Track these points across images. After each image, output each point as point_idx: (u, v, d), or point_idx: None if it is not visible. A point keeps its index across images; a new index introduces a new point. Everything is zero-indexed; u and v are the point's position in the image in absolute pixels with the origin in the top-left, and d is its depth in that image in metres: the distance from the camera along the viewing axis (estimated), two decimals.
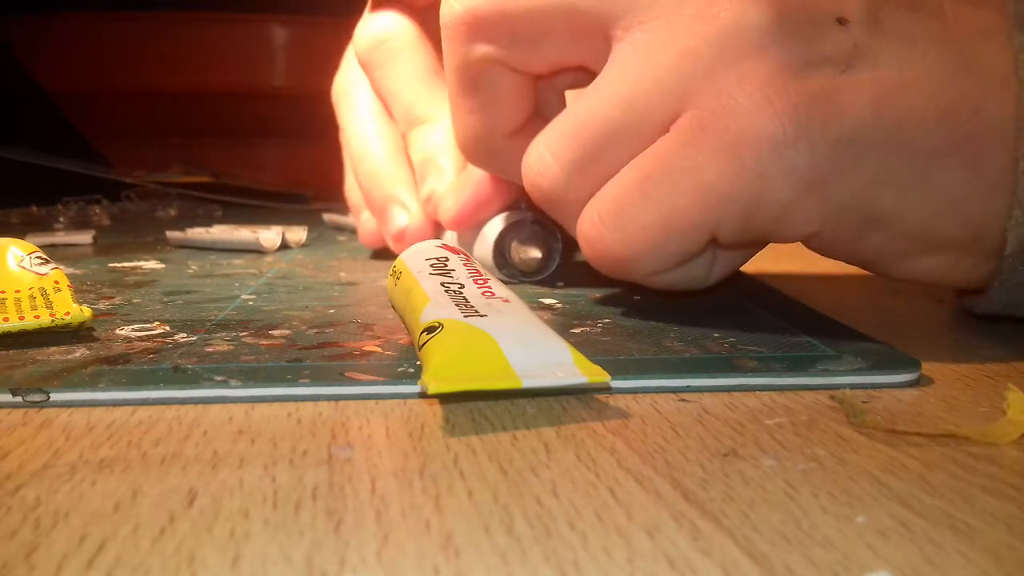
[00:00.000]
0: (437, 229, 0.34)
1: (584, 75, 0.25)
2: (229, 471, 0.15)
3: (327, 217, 0.51)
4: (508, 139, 0.26)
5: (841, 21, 0.20)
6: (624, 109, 0.22)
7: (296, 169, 0.79)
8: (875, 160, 0.20)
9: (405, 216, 0.34)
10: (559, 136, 0.23)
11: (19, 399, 0.18)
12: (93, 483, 0.14)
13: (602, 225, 0.22)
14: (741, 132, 0.20)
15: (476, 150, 0.27)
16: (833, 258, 0.23)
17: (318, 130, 0.71)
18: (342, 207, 0.52)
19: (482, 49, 0.24)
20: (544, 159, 0.24)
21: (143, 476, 0.15)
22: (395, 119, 0.36)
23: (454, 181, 0.32)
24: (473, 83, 0.26)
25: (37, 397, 0.18)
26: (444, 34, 0.25)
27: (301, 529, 0.13)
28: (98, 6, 0.76)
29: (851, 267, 0.27)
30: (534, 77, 0.25)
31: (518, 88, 0.25)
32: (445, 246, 0.25)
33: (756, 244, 0.24)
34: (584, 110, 0.23)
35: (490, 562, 0.12)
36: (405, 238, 0.33)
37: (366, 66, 0.36)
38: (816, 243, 0.22)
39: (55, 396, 0.18)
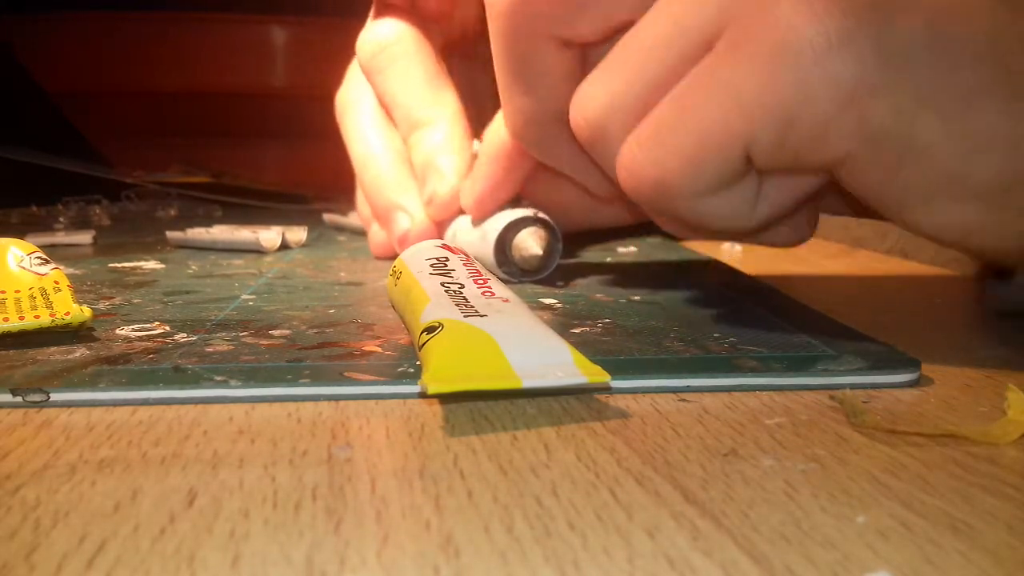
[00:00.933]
0: (439, 231, 0.34)
1: None
2: (229, 471, 0.15)
3: (327, 217, 0.51)
4: (561, 122, 0.26)
5: None
6: (672, 24, 0.21)
7: (296, 169, 0.79)
8: (922, 80, 0.19)
9: (408, 220, 0.34)
10: (605, 64, 0.23)
11: (19, 399, 0.18)
12: (93, 483, 0.14)
13: (639, 149, 0.22)
14: (782, 40, 0.19)
15: (529, 134, 0.27)
16: (859, 195, 0.22)
17: (318, 130, 0.71)
18: (342, 207, 0.52)
19: (534, 27, 0.24)
20: (592, 80, 0.23)
21: (143, 476, 0.15)
22: (396, 124, 0.36)
23: (472, 170, 0.32)
24: (523, 63, 0.25)
25: (37, 397, 0.18)
26: (490, 14, 0.25)
27: (301, 529, 0.13)
28: (98, 6, 0.76)
29: (851, 267, 0.27)
30: (583, 51, 0.25)
31: (569, 63, 0.25)
32: (445, 246, 0.25)
33: (793, 171, 0.22)
34: (631, 33, 0.22)
35: (490, 562, 0.12)
36: (408, 242, 0.33)
37: (368, 72, 0.36)
38: (847, 171, 0.21)
39: (55, 396, 0.18)
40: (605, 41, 0.24)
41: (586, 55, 0.25)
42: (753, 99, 0.20)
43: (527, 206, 0.31)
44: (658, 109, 0.22)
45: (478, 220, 0.32)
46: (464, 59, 0.40)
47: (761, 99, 0.20)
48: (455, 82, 0.37)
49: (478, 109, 0.36)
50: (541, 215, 0.30)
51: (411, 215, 0.34)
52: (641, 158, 0.22)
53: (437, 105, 0.34)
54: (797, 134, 0.20)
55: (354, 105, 0.38)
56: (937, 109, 0.19)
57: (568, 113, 0.25)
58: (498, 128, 0.30)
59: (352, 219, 0.48)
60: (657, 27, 0.22)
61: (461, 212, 0.33)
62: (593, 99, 0.23)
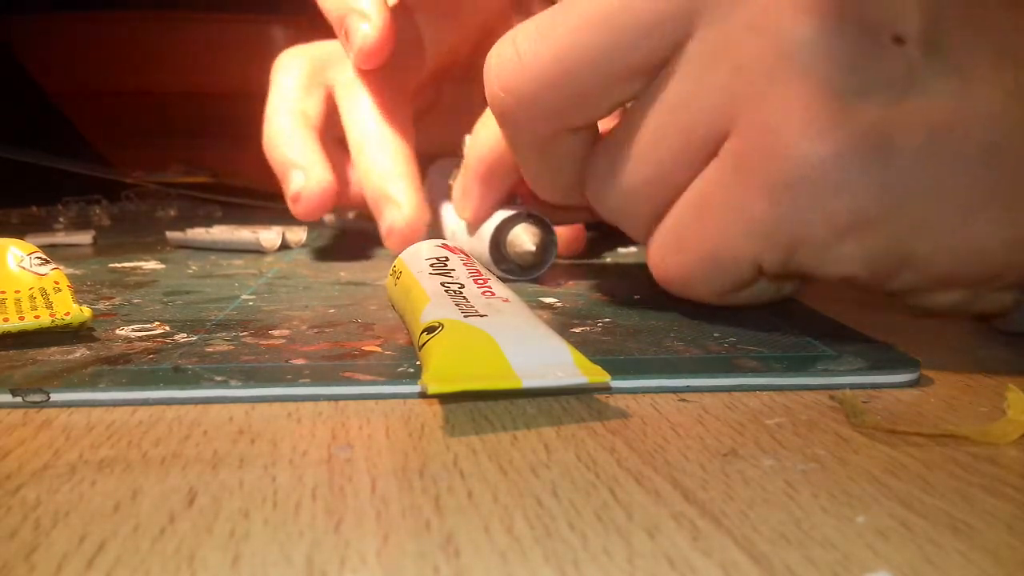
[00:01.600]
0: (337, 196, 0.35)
1: None
2: (229, 471, 0.15)
3: (327, 217, 0.51)
4: (581, 184, 0.26)
5: (898, 40, 0.19)
6: (672, 120, 0.21)
7: None
8: (919, 206, 0.19)
9: (302, 177, 0.35)
10: (610, 146, 0.23)
11: (19, 399, 0.18)
12: (93, 483, 0.14)
13: (665, 247, 0.23)
14: (782, 174, 0.20)
15: (554, 198, 0.27)
16: (861, 291, 0.22)
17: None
18: (342, 207, 0.52)
19: (544, 127, 0.24)
20: (599, 172, 0.24)
21: (143, 476, 0.15)
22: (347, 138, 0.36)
23: (460, 180, 0.32)
24: (543, 157, 0.25)
25: (37, 397, 0.18)
26: (500, 124, 0.25)
27: (301, 529, 0.13)
28: (98, 6, 0.76)
29: None
30: (594, 128, 0.25)
31: (587, 141, 0.25)
32: (445, 245, 0.25)
33: (804, 278, 0.23)
34: (638, 116, 0.22)
35: (490, 562, 0.12)
36: (300, 201, 0.35)
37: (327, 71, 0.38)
38: (853, 283, 0.22)
39: (55, 396, 0.18)
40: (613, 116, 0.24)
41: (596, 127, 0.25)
42: (765, 227, 0.20)
43: (519, 204, 0.31)
44: (678, 212, 0.22)
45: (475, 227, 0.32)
46: (457, 82, 0.40)
47: (766, 227, 0.20)
48: (447, 105, 0.37)
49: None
50: (533, 211, 0.30)
51: (306, 171, 0.35)
52: (668, 259, 0.23)
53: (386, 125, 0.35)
54: (800, 258, 0.21)
55: (282, 71, 0.39)
56: (933, 230, 0.20)
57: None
58: (485, 138, 0.30)
59: (352, 219, 0.48)
60: (658, 119, 0.22)
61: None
62: (607, 191, 0.24)
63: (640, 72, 0.22)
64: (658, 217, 0.23)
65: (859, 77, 0.19)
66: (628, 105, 0.23)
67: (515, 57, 0.22)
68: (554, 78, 0.22)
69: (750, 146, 0.20)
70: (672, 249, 0.23)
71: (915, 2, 0.19)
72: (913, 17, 0.19)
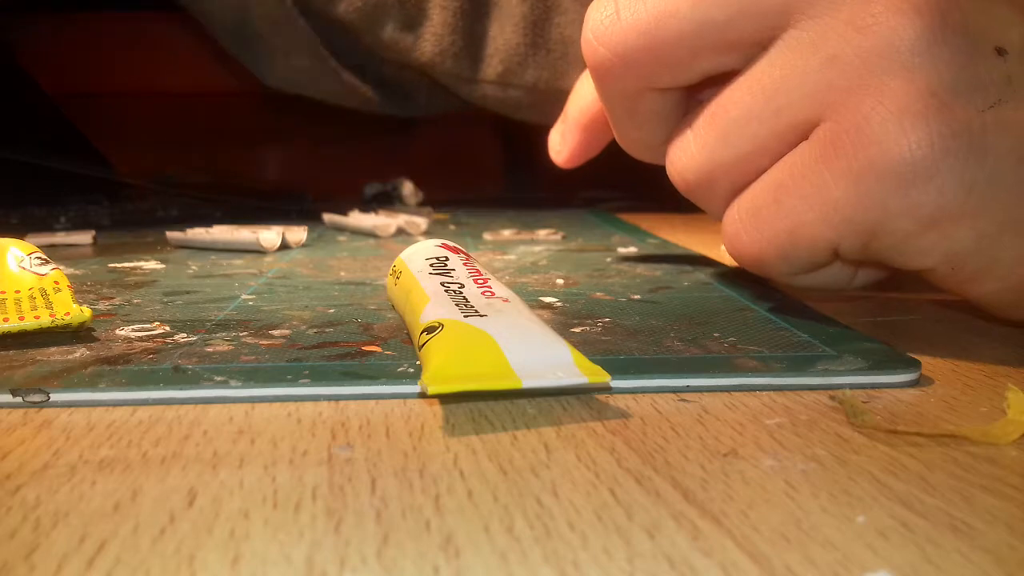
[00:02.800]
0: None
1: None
2: (229, 471, 0.15)
3: (327, 217, 0.51)
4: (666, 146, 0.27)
5: (1000, 51, 0.19)
6: (764, 101, 0.22)
7: (296, 169, 0.79)
8: (1007, 205, 0.20)
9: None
10: (698, 121, 0.24)
11: (19, 399, 0.18)
12: (93, 483, 0.14)
13: (740, 223, 0.23)
14: (870, 160, 0.20)
15: (641, 156, 0.28)
16: (945, 292, 0.23)
17: (318, 130, 0.71)
18: (342, 207, 0.52)
19: (634, 83, 0.25)
20: (684, 143, 0.24)
21: (143, 476, 0.15)
22: None
23: (559, 126, 0.33)
24: (630, 112, 0.26)
25: (37, 397, 0.18)
26: (593, 76, 0.25)
27: (301, 529, 0.13)
28: (98, 6, 0.76)
29: None
30: (684, 91, 0.26)
31: (673, 103, 0.25)
32: (445, 245, 0.25)
33: (881, 266, 0.24)
34: (727, 95, 0.23)
35: (490, 562, 0.12)
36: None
37: None
38: (932, 277, 0.22)
39: (55, 396, 0.18)
40: (703, 85, 0.25)
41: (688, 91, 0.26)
42: (839, 210, 0.21)
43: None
44: (757, 190, 0.23)
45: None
46: None
47: (846, 212, 0.21)
48: None
49: None
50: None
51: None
52: (742, 234, 0.23)
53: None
54: (879, 245, 0.21)
55: None
56: (1020, 231, 0.20)
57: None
58: (584, 93, 0.31)
59: (352, 219, 0.48)
60: (751, 100, 0.22)
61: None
62: (687, 163, 0.24)
63: (733, 48, 0.23)
64: (734, 194, 0.24)
65: (958, 79, 0.19)
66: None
67: (614, 13, 0.24)
68: (648, 38, 0.23)
69: (841, 132, 0.20)
70: (748, 226, 0.23)
71: (1019, 17, 0.20)
72: (1016, 31, 0.20)
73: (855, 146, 0.20)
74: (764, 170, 0.23)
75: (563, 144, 0.33)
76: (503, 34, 0.54)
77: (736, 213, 0.23)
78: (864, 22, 0.20)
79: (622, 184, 0.67)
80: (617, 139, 0.28)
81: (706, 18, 0.22)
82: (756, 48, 0.22)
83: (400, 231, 0.47)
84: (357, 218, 0.48)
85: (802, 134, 0.22)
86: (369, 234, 0.46)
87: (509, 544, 0.12)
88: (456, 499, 0.14)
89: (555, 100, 0.42)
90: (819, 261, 0.23)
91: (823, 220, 0.21)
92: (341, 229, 0.49)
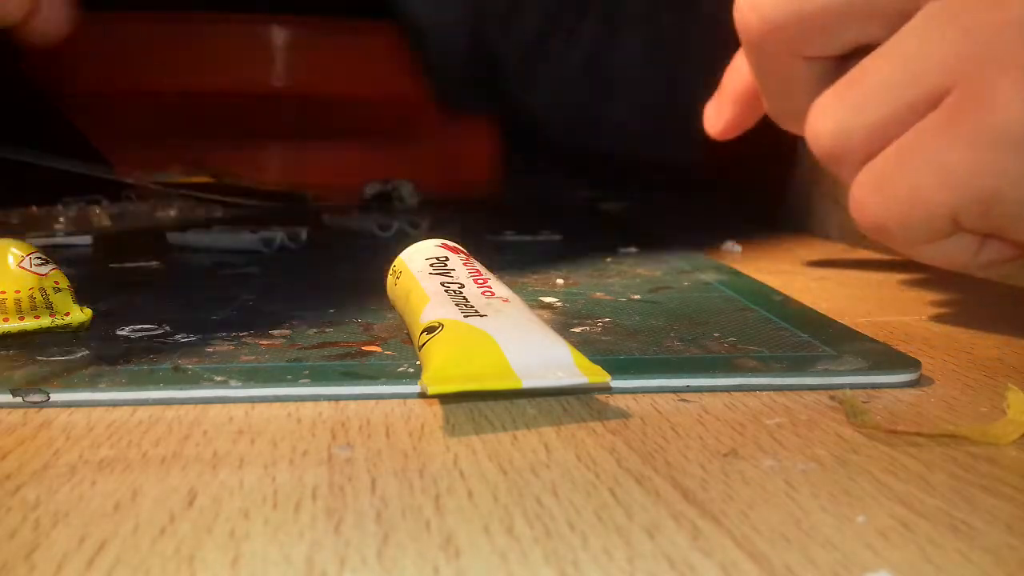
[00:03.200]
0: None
1: None
2: (229, 471, 0.15)
3: (327, 217, 0.51)
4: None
5: None
6: (901, 69, 0.22)
7: (296, 169, 0.79)
8: None
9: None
10: (838, 86, 0.24)
11: (19, 399, 0.18)
12: (93, 483, 0.14)
13: (866, 188, 0.23)
14: (992, 127, 0.20)
15: (787, 123, 0.29)
16: None
17: (318, 130, 0.71)
18: (342, 207, 0.52)
19: (783, 51, 0.25)
20: (823, 108, 0.24)
21: (143, 476, 0.15)
22: None
23: (716, 99, 0.34)
24: (780, 81, 0.27)
25: (37, 397, 0.18)
26: (743, 41, 0.26)
27: (301, 529, 0.13)
28: (98, 6, 0.76)
29: (851, 267, 0.26)
30: (832, 60, 0.26)
31: (822, 72, 0.26)
32: (445, 245, 0.25)
33: (1006, 242, 0.24)
34: (868, 62, 0.23)
35: (490, 562, 0.12)
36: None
37: None
38: None
39: (55, 396, 0.18)
40: (851, 55, 0.25)
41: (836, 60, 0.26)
42: (961, 177, 0.21)
43: None
44: (882, 157, 0.23)
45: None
46: None
47: (968, 178, 0.21)
48: None
49: None
50: None
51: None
52: (866, 200, 0.23)
53: None
54: (999, 213, 0.21)
55: None
56: None
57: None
58: (739, 67, 0.32)
59: (352, 219, 0.48)
60: (889, 67, 0.23)
61: None
62: (824, 127, 0.24)
63: (877, 16, 0.23)
64: (865, 162, 0.24)
65: None
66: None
67: None
68: (799, 6, 0.24)
69: (966, 99, 0.21)
70: (871, 189, 0.23)
71: None
72: None
73: (977, 112, 0.20)
74: (896, 138, 0.23)
75: (718, 117, 0.34)
76: None
77: (863, 178, 0.23)
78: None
79: (622, 184, 0.67)
80: (767, 110, 0.29)
81: None
82: (899, 18, 0.23)
83: (401, 231, 0.47)
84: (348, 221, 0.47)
85: (935, 104, 0.22)
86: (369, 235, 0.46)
87: (509, 544, 0.12)
88: (456, 499, 0.14)
89: None
90: (939, 229, 0.22)
91: (941, 185, 0.21)
92: (341, 229, 0.49)
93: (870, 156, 0.23)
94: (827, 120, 0.24)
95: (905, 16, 0.23)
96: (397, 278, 0.24)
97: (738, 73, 0.33)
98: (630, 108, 0.62)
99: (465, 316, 0.19)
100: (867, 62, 0.23)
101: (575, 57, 0.58)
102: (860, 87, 0.23)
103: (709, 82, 0.34)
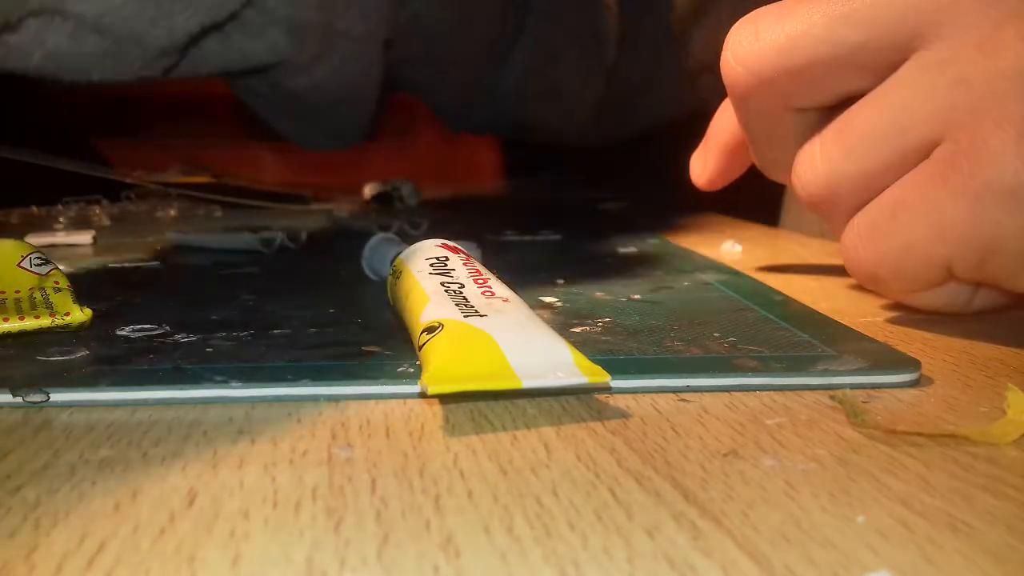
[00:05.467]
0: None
1: None
2: (229, 471, 0.15)
3: (327, 217, 0.51)
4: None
5: None
6: (890, 119, 0.22)
7: (296, 169, 0.79)
8: None
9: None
10: (826, 135, 0.24)
11: (19, 399, 0.18)
12: (93, 483, 0.14)
13: (857, 238, 0.24)
14: (986, 181, 0.20)
15: (775, 173, 0.29)
16: None
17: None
18: (342, 207, 0.52)
19: (771, 103, 0.25)
20: (810, 156, 0.24)
21: (143, 476, 0.15)
22: None
23: (701, 149, 0.34)
24: (767, 131, 0.27)
25: (37, 397, 0.18)
26: (731, 94, 0.26)
27: (301, 529, 0.13)
28: None
29: None
30: (820, 111, 0.26)
31: (811, 123, 0.26)
32: (445, 245, 0.25)
33: (999, 288, 0.24)
34: (855, 111, 0.23)
35: (490, 562, 0.12)
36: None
37: None
38: None
39: (55, 396, 0.18)
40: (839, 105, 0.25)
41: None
42: (957, 230, 0.21)
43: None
44: (874, 207, 0.23)
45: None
46: None
47: (961, 230, 0.21)
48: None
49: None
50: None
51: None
52: (860, 249, 0.24)
53: None
54: (996, 265, 0.21)
55: None
56: None
57: None
58: (725, 117, 0.32)
59: (352, 219, 0.48)
60: (878, 116, 0.23)
61: None
62: (812, 175, 0.24)
63: (866, 69, 0.23)
64: (855, 210, 0.24)
65: None
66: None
67: (753, 34, 0.24)
68: (784, 57, 0.24)
69: (959, 152, 0.21)
70: (865, 242, 0.23)
71: None
72: None
73: (972, 166, 0.21)
74: (886, 187, 0.23)
75: (703, 167, 0.34)
76: None
77: (855, 228, 0.24)
78: (993, 47, 0.21)
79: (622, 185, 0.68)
80: (755, 160, 0.29)
81: (840, 39, 0.23)
82: (888, 69, 0.23)
83: (401, 232, 0.47)
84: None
85: (925, 154, 0.22)
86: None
87: (509, 544, 0.12)
88: (456, 499, 0.14)
89: None
90: (933, 279, 0.23)
91: (937, 237, 0.22)
92: (342, 229, 0.49)
93: (859, 204, 0.24)
94: (815, 169, 0.24)
95: (893, 67, 0.23)
96: (397, 278, 0.24)
97: (724, 123, 0.33)
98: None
99: (465, 316, 0.19)
100: (856, 110, 0.23)
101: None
102: (849, 136, 0.23)
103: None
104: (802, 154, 0.25)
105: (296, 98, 0.49)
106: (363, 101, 0.51)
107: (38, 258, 0.24)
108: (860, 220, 0.24)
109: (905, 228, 0.22)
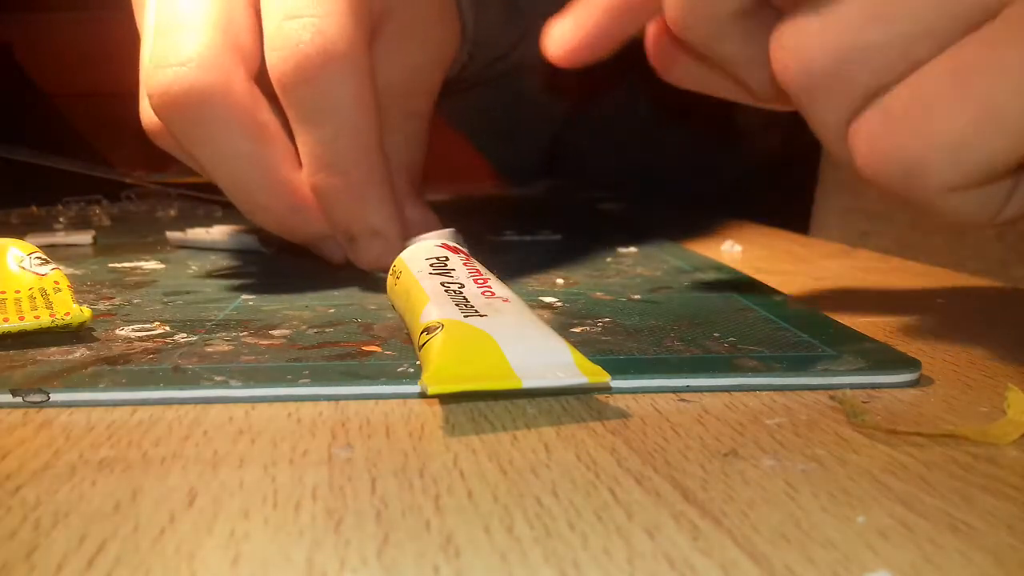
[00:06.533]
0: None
1: None
2: (229, 471, 0.15)
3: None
4: (736, 19, 0.22)
5: None
6: None
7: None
8: None
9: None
10: (843, 5, 0.19)
11: (19, 399, 0.18)
12: (93, 483, 0.14)
13: (896, 121, 0.19)
14: None
15: (697, 27, 0.23)
16: None
17: None
18: None
19: None
20: (812, 20, 0.20)
21: (143, 476, 0.15)
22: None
23: (579, 7, 0.26)
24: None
25: (37, 397, 0.18)
26: None
27: (301, 529, 0.13)
28: (98, 6, 0.76)
29: (851, 267, 0.26)
30: None
31: None
32: (445, 245, 0.25)
33: None
34: None
35: (490, 562, 0.12)
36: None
37: None
38: None
39: (55, 396, 0.18)
40: None
41: None
42: None
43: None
44: (924, 78, 0.19)
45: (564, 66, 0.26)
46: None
47: None
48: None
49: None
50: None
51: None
52: (902, 134, 0.19)
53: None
54: None
55: None
56: None
57: (746, 13, 0.22)
58: None
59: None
60: None
61: None
62: (817, 48, 0.20)
63: None
64: (869, 96, 0.20)
65: None
66: None
67: None
68: None
69: None
70: (905, 124, 0.19)
71: None
72: None
73: None
74: (920, 63, 0.19)
75: (575, 28, 0.26)
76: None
77: (884, 111, 0.19)
78: None
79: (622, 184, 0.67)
80: (670, 10, 0.23)
81: None
82: None
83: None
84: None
85: (988, 14, 0.18)
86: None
87: (509, 544, 0.12)
88: (456, 499, 0.14)
89: None
90: (1003, 161, 0.18)
91: (1016, 94, 0.17)
92: None
93: (878, 85, 0.19)
94: (822, 37, 0.19)
95: None
96: (397, 278, 0.24)
97: None
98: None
99: (465, 316, 0.19)
100: None
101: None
102: (884, 7, 0.19)
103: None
104: (797, 18, 0.20)
105: None
106: None
107: (38, 258, 0.24)
108: (897, 103, 0.19)
109: (981, 96, 0.18)
